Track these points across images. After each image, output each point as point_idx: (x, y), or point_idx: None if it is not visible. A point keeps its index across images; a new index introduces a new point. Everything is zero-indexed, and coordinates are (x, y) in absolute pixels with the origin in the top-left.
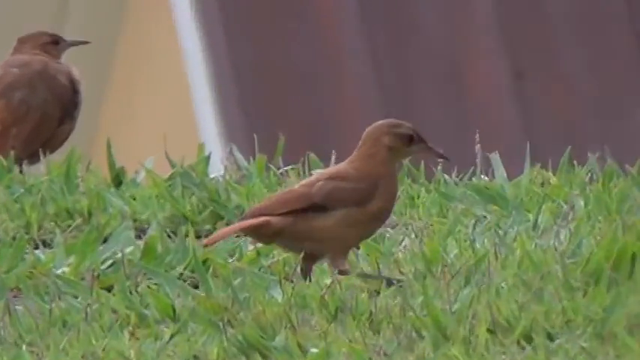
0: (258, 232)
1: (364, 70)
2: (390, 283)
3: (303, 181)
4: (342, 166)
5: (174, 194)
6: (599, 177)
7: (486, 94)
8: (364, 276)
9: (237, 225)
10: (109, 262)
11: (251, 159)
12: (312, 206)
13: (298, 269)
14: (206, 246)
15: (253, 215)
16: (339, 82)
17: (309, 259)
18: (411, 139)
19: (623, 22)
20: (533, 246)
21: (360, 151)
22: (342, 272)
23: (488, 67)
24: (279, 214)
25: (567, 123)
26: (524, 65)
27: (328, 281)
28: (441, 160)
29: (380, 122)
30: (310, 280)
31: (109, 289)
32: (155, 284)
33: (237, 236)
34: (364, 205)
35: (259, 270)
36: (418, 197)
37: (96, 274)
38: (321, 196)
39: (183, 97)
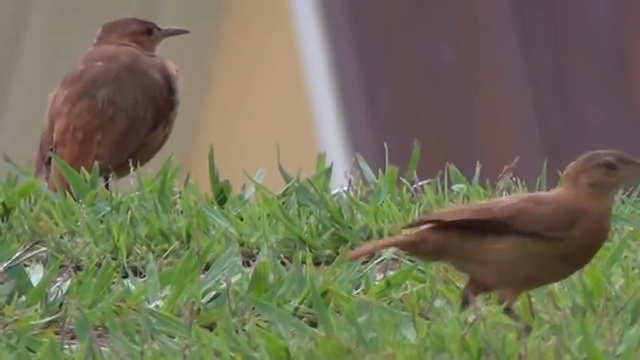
0: (415, 249)
1: (514, 68)
2: (527, 331)
3: (497, 199)
4: (551, 192)
5: (288, 213)
6: None
7: None
8: (510, 313)
9: (391, 240)
10: (212, 294)
11: (380, 172)
12: (489, 222)
13: (436, 303)
14: (350, 260)
15: (422, 222)
16: (483, 82)
17: (476, 287)
18: (612, 166)
19: None
20: None
21: (566, 188)
22: (507, 311)
23: None
24: (449, 222)
25: None
26: None
27: (470, 318)
28: None
29: (575, 161)
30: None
31: (211, 327)
32: (266, 321)
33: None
34: (549, 239)
35: (389, 304)
36: None
37: (196, 308)
38: (503, 214)
39: (299, 97)
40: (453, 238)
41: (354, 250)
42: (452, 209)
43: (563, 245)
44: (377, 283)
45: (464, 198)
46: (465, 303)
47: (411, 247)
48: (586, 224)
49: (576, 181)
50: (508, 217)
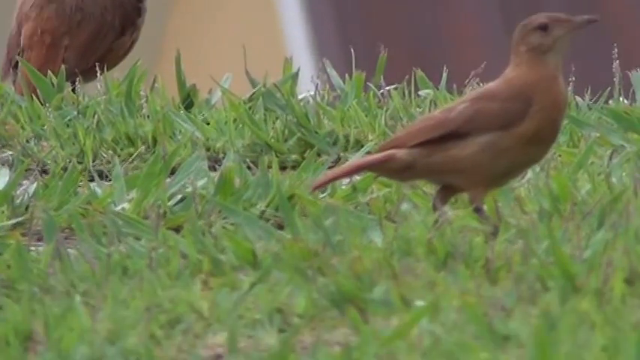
0: (383, 169)
1: None
2: (495, 233)
3: (448, 105)
4: (496, 82)
5: (255, 118)
6: None
7: (625, 2)
8: (480, 213)
9: (355, 163)
10: (178, 197)
11: (347, 77)
12: (450, 134)
13: (402, 206)
14: (314, 189)
15: (382, 149)
16: None
17: (448, 192)
18: (544, 27)
19: None
20: None
21: (511, 64)
22: (477, 210)
23: None
24: (412, 147)
25: None
26: None
27: (437, 221)
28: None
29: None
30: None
31: (178, 230)
32: (232, 224)
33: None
34: (512, 129)
35: (356, 208)
36: None
37: (162, 211)
38: (460, 121)
39: (267, 2)
40: (419, 155)
41: (317, 179)
42: (407, 130)
43: (528, 128)
44: (343, 187)
45: (430, 103)
46: (435, 210)
47: (377, 169)
48: (540, 100)
49: (517, 51)
50: (465, 123)
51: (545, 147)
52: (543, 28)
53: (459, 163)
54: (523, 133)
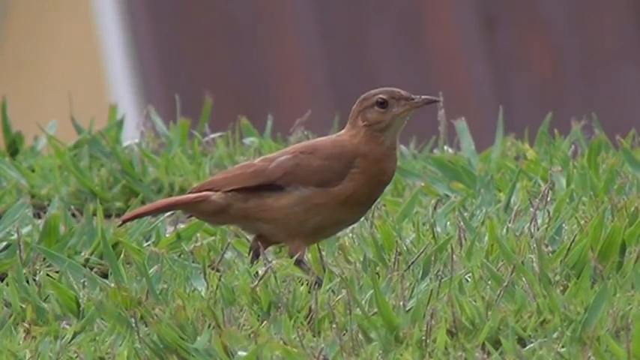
0: (196, 210)
1: (306, 23)
2: (318, 284)
3: (269, 155)
4: (324, 138)
5: (80, 165)
6: (585, 150)
7: (450, 48)
8: (302, 265)
9: (167, 200)
10: (2, 244)
11: (172, 124)
12: (266, 185)
13: (226, 255)
14: (123, 223)
15: (198, 191)
16: (276, 34)
17: (263, 241)
18: (383, 104)
19: None
20: (504, 231)
21: (347, 130)
22: (298, 262)
23: (452, 14)
24: (228, 191)
25: (547, 84)
26: (496, 11)
27: (261, 270)
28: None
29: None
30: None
31: (2, 278)
32: (56, 272)
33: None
34: (329, 187)
35: (179, 256)
36: None
37: None
38: (279, 173)
39: (92, 49)
40: (234, 199)
41: (127, 212)
42: (225, 174)
43: (343, 191)
44: (167, 235)
45: (255, 151)
46: (256, 256)
47: (191, 209)
48: (364, 167)
49: (355, 124)
50: (283, 175)
51: (359, 212)
52: (382, 104)
53: (272, 212)
54: (339, 193)
